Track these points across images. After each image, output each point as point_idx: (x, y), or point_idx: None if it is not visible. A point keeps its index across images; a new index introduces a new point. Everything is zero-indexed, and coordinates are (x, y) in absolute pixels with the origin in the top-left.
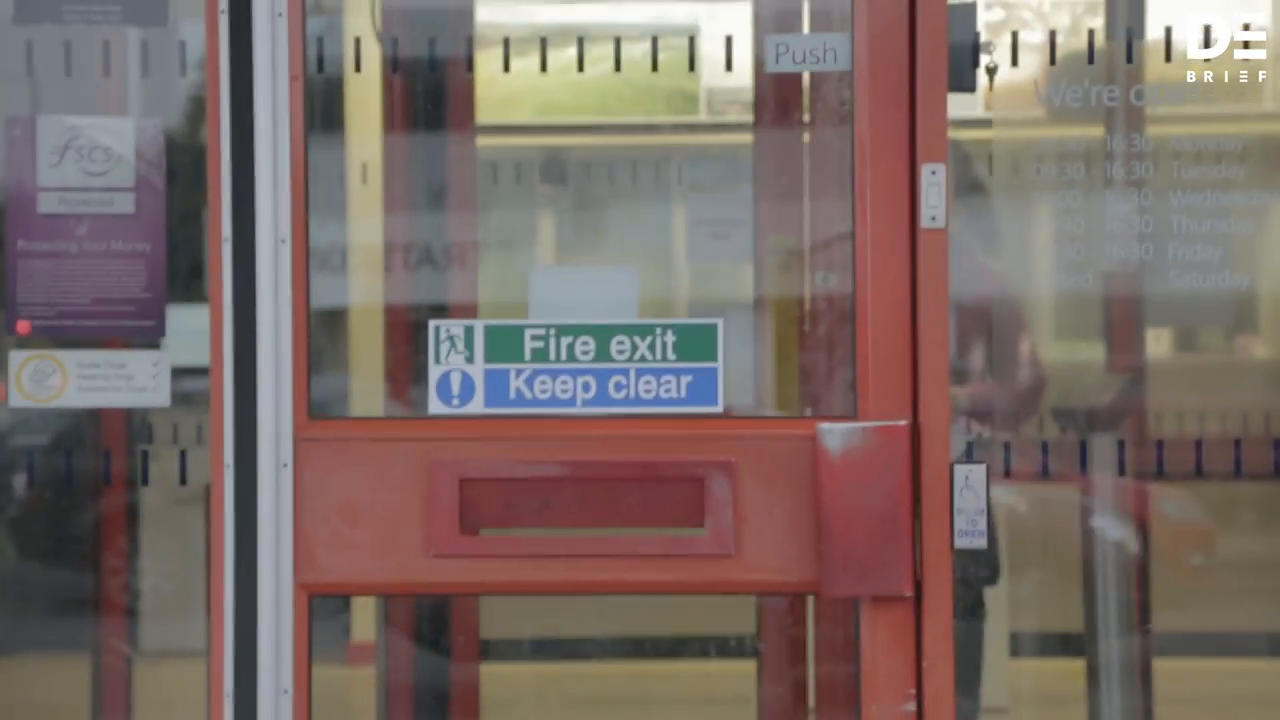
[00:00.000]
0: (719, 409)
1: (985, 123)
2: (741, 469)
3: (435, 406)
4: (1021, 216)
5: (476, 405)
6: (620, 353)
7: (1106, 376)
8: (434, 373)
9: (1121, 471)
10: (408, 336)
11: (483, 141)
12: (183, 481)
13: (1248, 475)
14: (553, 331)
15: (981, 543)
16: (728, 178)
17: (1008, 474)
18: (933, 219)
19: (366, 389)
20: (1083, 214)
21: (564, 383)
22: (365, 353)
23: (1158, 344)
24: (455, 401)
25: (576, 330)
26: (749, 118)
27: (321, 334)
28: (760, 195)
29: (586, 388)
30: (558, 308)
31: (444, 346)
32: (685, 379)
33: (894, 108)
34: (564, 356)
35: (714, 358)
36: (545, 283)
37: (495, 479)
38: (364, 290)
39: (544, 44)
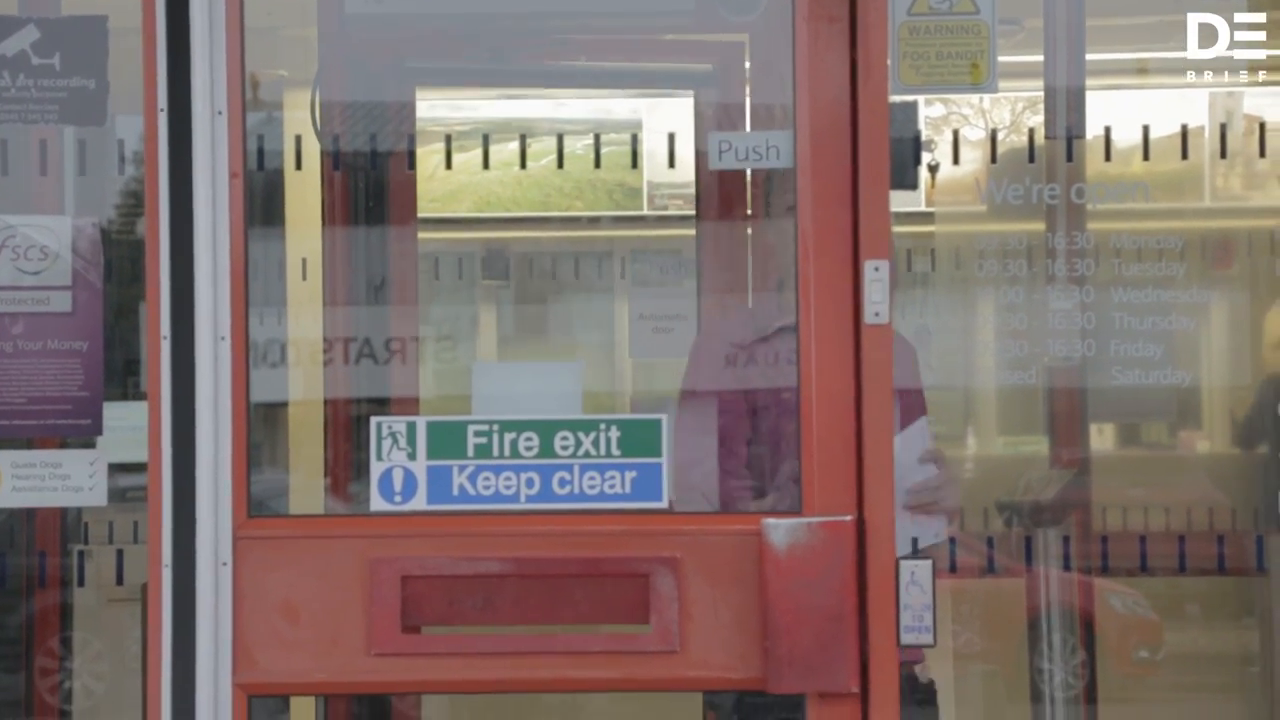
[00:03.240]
0: (664, 504)
1: (928, 217)
2: (687, 565)
3: (377, 503)
4: (964, 311)
5: (419, 502)
6: (564, 449)
7: (1050, 471)
8: (376, 469)
9: (1066, 566)
10: (349, 432)
11: (424, 235)
12: (119, 581)
13: (1192, 569)
14: (496, 427)
15: (928, 639)
16: (671, 272)
17: (953, 569)
18: (876, 315)
19: (307, 485)
20: (1025, 310)
21: (507, 479)
22: (305, 449)
23: (1101, 438)
24: (397, 498)
25: (520, 426)
26: (692, 211)
27: (261, 430)
28: (704, 289)
29: (530, 484)
30: (501, 403)
31: (386, 443)
32: (630, 475)
33: (837, 205)
34: (507, 453)
35: (658, 453)
36: (489, 378)
37: (437, 576)
38: (304, 385)
39: (486, 140)
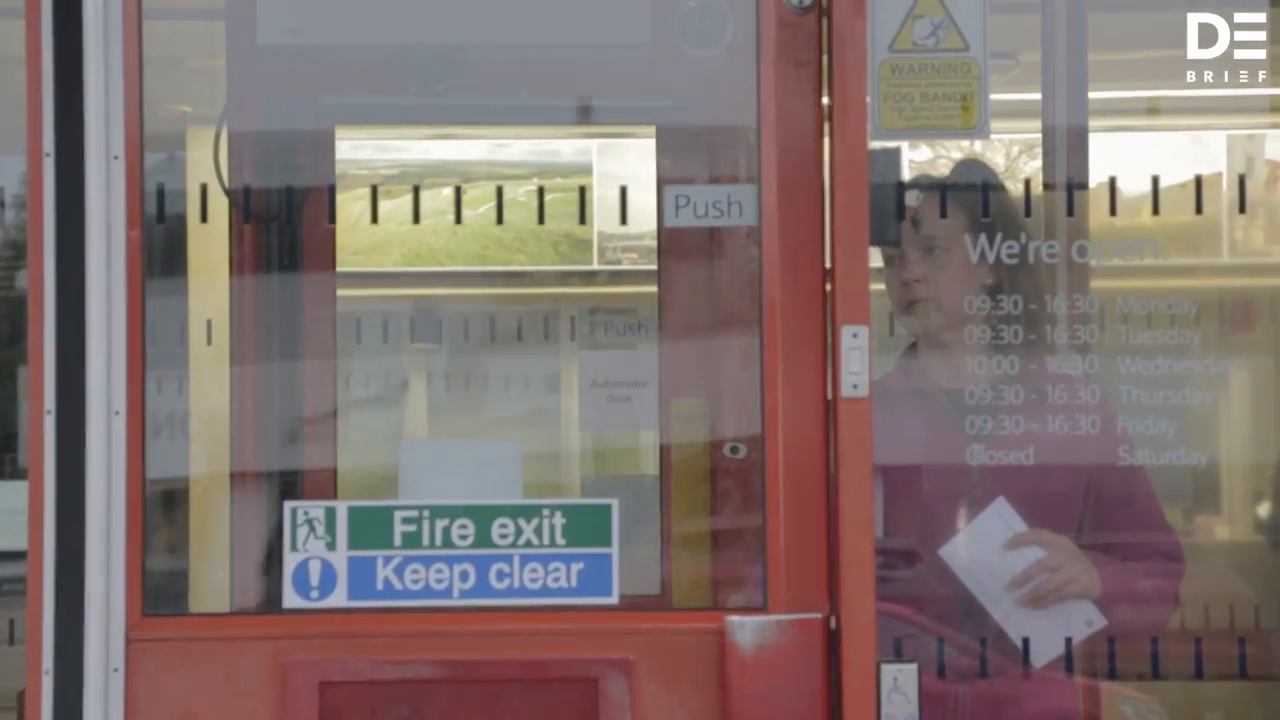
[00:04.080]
0: (614, 600)
1: None
2: (640, 668)
3: (291, 600)
4: None
5: (339, 598)
6: (503, 537)
7: None
8: (290, 561)
9: (1070, 668)
10: (259, 517)
11: (345, 292)
12: None
13: (1211, 673)
14: (426, 513)
15: None
16: (627, 333)
17: (942, 672)
18: (854, 386)
19: (211, 579)
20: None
21: (439, 571)
22: (209, 537)
23: None
24: (314, 594)
25: (453, 512)
26: (649, 265)
27: (158, 516)
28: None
29: (464, 577)
30: (432, 486)
31: (301, 531)
32: (576, 566)
33: (806, 266)
34: (439, 542)
35: (608, 542)
36: (418, 458)
37: (360, 682)
38: (208, 463)
39: (417, 191)
